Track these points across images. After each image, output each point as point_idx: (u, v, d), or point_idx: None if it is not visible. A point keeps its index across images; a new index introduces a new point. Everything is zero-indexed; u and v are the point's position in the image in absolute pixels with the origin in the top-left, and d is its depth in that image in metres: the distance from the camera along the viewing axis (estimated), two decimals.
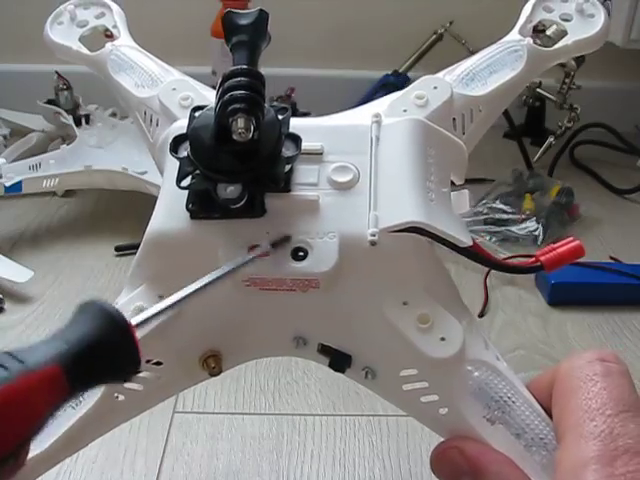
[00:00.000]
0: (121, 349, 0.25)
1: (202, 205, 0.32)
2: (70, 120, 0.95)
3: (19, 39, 1.20)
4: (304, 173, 0.33)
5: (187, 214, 0.32)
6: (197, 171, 0.32)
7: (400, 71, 1.21)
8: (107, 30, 0.45)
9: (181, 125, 0.35)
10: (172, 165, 0.33)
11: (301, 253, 0.31)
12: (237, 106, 0.31)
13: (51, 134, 1.02)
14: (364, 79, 1.22)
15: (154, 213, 0.33)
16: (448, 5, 1.20)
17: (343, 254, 0.31)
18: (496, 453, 0.28)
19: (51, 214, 0.92)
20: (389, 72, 1.21)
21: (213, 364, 0.34)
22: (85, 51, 0.44)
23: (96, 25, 0.45)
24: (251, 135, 0.30)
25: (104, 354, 0.25)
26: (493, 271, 0.80)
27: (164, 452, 0.55)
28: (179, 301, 0.28)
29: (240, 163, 0.31)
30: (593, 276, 0.78)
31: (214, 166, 0.31)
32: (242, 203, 0.31)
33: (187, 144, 0.32)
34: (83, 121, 0.96)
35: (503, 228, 0.88)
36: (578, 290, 0.77)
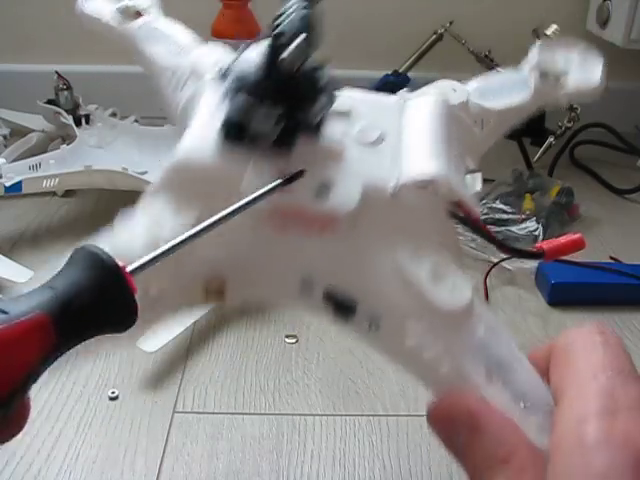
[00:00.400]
0: (114, 297, 0.24)
1: (234, 135, 0.32)
2: (70, 120, 0.95)
3: (19, 39, 1.20)
4: (332, 127, 0.34)
5: (216, 143, 0.32)
6: (235, 100, 0.32)
7: (400, 71, 1.21)
8: (142, 9, 0.46)
9: (212, 77, 0.36)
10: (209, 96, 0.34)
11: (324, 191, 0.31)
12: (289, 34, 0.33)
13: (51, 134, 1.02)
14: (364, 79, 1.22)
15: (182, 141, 0.33)
16: (448, 5, 1.20)
17: (364, 201, 0.31)
18: (497, 413, 0.27)
19: (51, 214, 0.92)
20: (389, 72, 1.21)
21: (216, 289, 0.34)
22: (115, 23, 0.45)
23: (132, 4, 0.46)
24: (296, 67, 0.31)
25: (95, 302, 0.23)
26: (493, 271, 0.81)
27: (164, 452, 0.55)
28: (178, 244, 0.27)
29: (280, 95, 0.32)
30: (593, 276, 0.78)
31: (255, 93, 0.32)
32: (273, 138, 0.31)
33: (228, 79, 0.33)
34: (83, 121, 0.96)
35: (503, 228, 0.88)
36: (578, 290, 0.77)
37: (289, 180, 0.31)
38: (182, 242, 0.28)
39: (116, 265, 0.24)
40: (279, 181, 0.31)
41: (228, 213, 0.29)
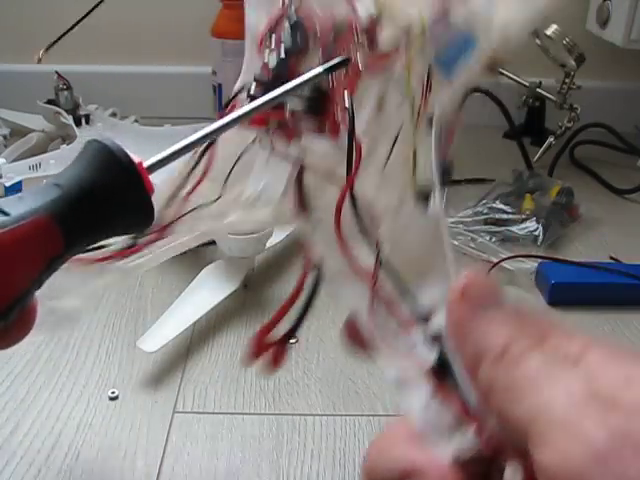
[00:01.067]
0: (127, 195, 0.22)
1: None
2: (70, 120, 0.96)
3: (19, 39, 1.20)
4: None
5: None
6: None
7: None
8: None
9: None
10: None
11: None
12: None
13: (51, 134, 1.02)
14: None
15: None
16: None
17: None
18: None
19: None
20: None
21: None
22: None
23: None
24: None
25: (107, 201, 0.21)
26: (493, 271, 0.81)
27: (164, 452, 0.55)
28: (198, 140, 0.26)
29: None
30: (593, 276, 0.78)
31: None
32: None
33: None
34: (83, 121, 0.97)
35: (503, 228, 0.88)
36: (578, 290, 0.77)
37: (333, 68, 0.29)
38: (202, 138, 0.26)
39: (130, 160, 0.22)
40: (324, 67, 0.29)
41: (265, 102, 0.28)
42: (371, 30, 0.34)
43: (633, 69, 1.22)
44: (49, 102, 1.00)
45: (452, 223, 0.89)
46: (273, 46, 0.37)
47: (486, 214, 0.90)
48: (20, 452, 0.54)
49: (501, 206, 0.91)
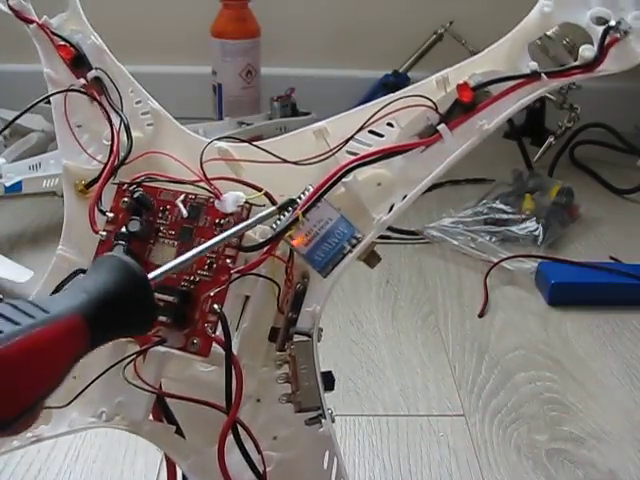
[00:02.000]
0: (139, 301, 0.26)
1: None
2: None
3: (19, 39, 1.20)
4: None
5: None
6: None
7: (400, 71, 1.21)
8: None
9: None
10: None
11: None
12: None
13: (51, 134, 1.01)
14: (364, 79, 1.22)
15: None
16: (448, 5, 1.20)
17: None
18: None
19: (51, 214, 0.92)
20: (389, 72, 1.21)
21: None
22: None
23: None
24: None
25: (123, 305, 0.25)
26: (493, 271, 0.81)
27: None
28: (197, 254, 0.31)
29: None
30: (593, 276, 0.78)
31: None
32: None
33: None
34: None
35: (503, 228, 0.88)
36: (578, 290, 0.77)
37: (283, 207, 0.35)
38: (198, 254, 0.31)
39: (143, 272, 0.26)
40: (273, 208, 0.35)
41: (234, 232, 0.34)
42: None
43: (633, 69, 1.22)
44: (49, 102, 0.99)
45: (452, 223, 0.89)
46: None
47: (486, 214, 0.90)
48: (20, 452, 0.54)
49: (501, 206, 0.91)
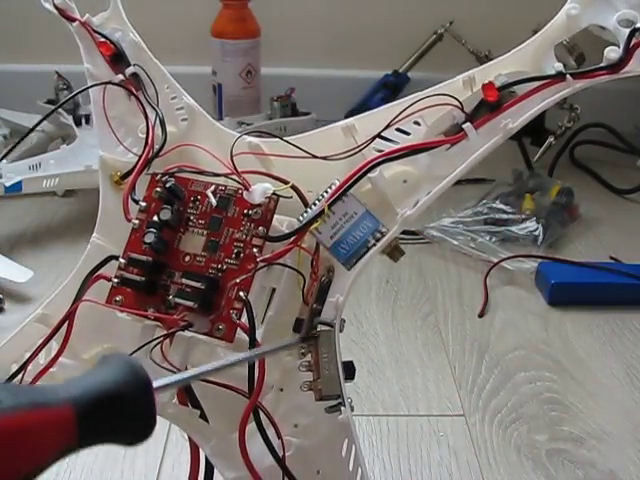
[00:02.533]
0: (138, 406, 0.24)
1: None
2: (70, 120, 0.95)
3: (19, 39, 1.20)
4: None
5: None
6: None
7: (400, 71, 1.21)
8: None
9: None
10: None
11: None
12: None
13: (51, 134, 1.02)
14: (364, 79, 1.22)
15: None
16: (448, 5, 1.20)
17: None
18: None
19: (51, 214, 0.92)
20: (389, 72, 1.21)
21: None
22: None
23: None
24: None
25: (121, 407, 0.23)
26: (493, 271, 0.81)
27: (164, 452, 0.55)
28: (202, 374, 0.32)
29: None
30: (593, 276, 0.78)
31: None
32: None
33: None
34: (83, 121, 0.96)
35: (503, 228, 0.88)
36: (578, 290, 0.77)
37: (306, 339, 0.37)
38: (208, 372, 0.32)
39: (147, 376, 0.24)
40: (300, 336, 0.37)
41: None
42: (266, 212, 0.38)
43: None
44: (49, 102, 0.99)
45: (452, 223, 0.89)
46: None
47: (486, 214, 0.90)
48: None
49: (501, 206, 0.91)
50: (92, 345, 0.43)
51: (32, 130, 0.51)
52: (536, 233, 0.87)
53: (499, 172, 1.02)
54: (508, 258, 0.82)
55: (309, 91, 1.14)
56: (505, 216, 0.90)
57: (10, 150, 0.70)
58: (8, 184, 0.83)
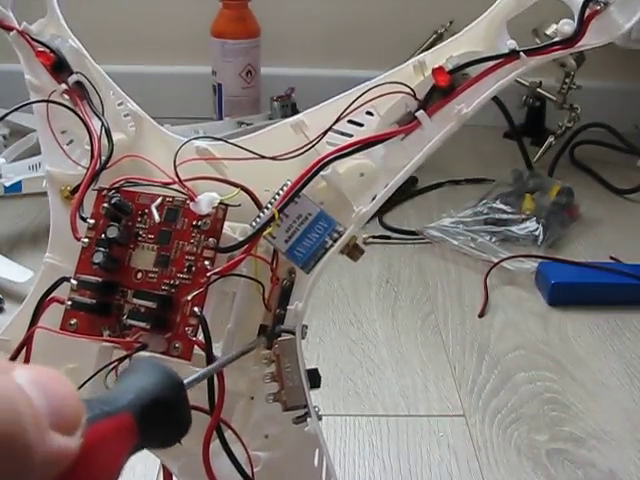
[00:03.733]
0: (177, 406, 0.25)
1: None
2: None
3: None
4: None
5: None
6: None
7: None
8: None
9: None
10: None
11: None
12: None
13: None
14: (364, 79, 1.21)
15: None
16: (448, 5, 1.20)
17: None
18: None
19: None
20: None
21: None
22: None
23: None
24: None
25: (165, 408, 0.25)
26: (493, 271, 0.81)
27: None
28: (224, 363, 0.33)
29: None
30: (593, 276, 0.78)
31: None
32: None
33: None
34: None
35: (503, 228, 0.88)
36: (578, 290, 0.77)
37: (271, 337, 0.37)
38: (229, 361, 0.33)
39: (180, 378, 0.25)
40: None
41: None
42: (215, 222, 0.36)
43: (633, 69, 1.22)
44: None
45: (452, 223, 0.89)
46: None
47: (486, 214, 0.90)
48: None
49: (501, 206, 0.91)
50: (55, 367, 0.42)
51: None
52: (536, 233, 0.87)
53: (499, 172, 1.02)
54: (508, 258, 0.82)
55: (309, 91, 1.14)
56: (505, 216, 0.90)
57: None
58: (8, 184, 0.83)
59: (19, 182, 0.84)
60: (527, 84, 1.15)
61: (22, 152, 0.96)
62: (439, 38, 1.19)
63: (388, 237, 0.88)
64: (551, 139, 1.12)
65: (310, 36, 1.25)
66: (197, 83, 1.24)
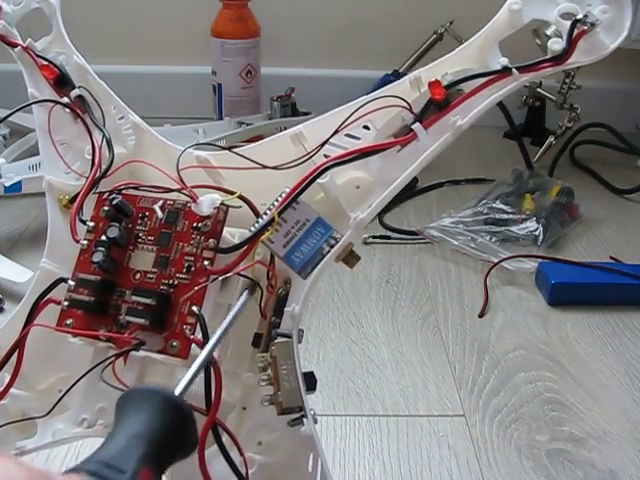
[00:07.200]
0: (187, 434, 0.27)
1: None
2: None
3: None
4: None
5: None
6: None
7: (400, 71, 1.21)
8: None
9: None
10: None
11: None
12: None
13: None
14: (364, 79, 1.22)
15: None
16: (448, 5, 1.20)
17: None
18: None
19: None
20: (389, 72, 1.21)
21: None
22: None
23: None
24: None
25: (175, 443, 0.26)
26: (493, 271, 0.81)
27: None
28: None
29: None
30: (593, 276, 0.78)
31: None
32: None
33: None
34: None
35: (503, 228, 0.88)
36: (578, 290, 0.77)
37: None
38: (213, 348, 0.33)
39: (189, 408, 0.26)
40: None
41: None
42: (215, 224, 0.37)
43: (633, 69, 1.22)
44: None
45: (452, 223, 0.89)
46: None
47: (486, 214, 0.90)
48: None
49: (501, 206, 0.91)
50: (47, 375, 0.42)
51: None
52: (536, 233, 0.87)
53: (499, 172, 1.02)
54: (508, 258, 0.82)
55: (309, 91, 1.14)
56: (505, 216, 0.90)
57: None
58: (8, 184, 0.83)
59: (19, 182, 0.84)
60: (527, 84, 1.15)
61: (22, 152, 0.96)
62: (439, 38, 1.19)
63: (388, 237, 0.88)
64: (551, 139, 1.12)
65: (310, 36, 1.25)
66: (197, 83, 1.24)
